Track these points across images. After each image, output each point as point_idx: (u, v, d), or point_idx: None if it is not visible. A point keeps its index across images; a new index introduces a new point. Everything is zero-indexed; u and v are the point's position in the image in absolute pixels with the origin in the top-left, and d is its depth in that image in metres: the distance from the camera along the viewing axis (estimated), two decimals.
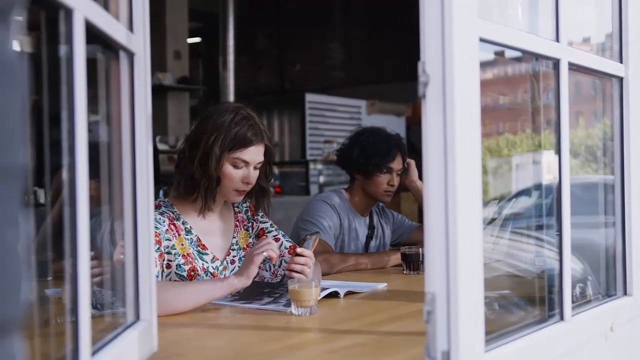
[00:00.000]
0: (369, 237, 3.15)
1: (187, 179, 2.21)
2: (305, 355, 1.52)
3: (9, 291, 0.54)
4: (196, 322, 1.83)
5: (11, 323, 0.55)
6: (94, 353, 1.08)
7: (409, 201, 6.84)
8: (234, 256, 2.33)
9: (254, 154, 2.21)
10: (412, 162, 3.12)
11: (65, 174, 1.00)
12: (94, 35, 1.11)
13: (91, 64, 1.07)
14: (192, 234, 2.23)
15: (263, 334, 1.71)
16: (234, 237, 2.35)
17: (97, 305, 1.36)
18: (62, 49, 1.01)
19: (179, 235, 2.19)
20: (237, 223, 2.39)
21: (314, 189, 7.33)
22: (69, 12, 1.00)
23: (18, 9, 0.58)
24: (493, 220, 2.26)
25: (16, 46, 0.58)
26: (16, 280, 0.55)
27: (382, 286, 2.37)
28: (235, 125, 2.17)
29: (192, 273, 2.17)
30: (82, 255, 1.02)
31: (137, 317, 1.38)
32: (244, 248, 2.36)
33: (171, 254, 2.15)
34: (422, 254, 2.68)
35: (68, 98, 1.00)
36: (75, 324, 1.01)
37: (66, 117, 1.00)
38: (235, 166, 2.20)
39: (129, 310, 1.37)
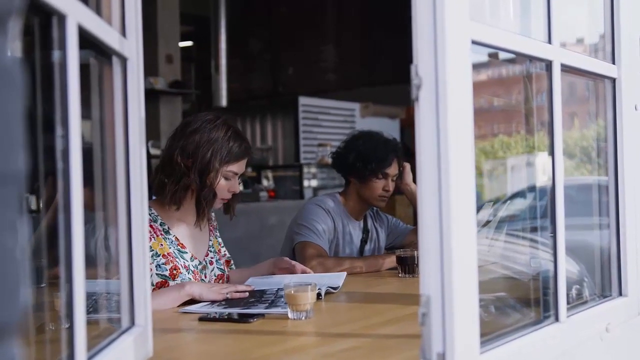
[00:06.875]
0: (364, 241, 3.14)
1: (181, 190, 2.28)
2: (303, 358, 1.52)
3: (8, 296, 0.54)
4: (191, 328, 1.83)
5: (10, 328, 0.55)
6: (89, 359, 1.08)
7: (403, 204, 6.83)
8: (211, 257, 2.44)
9: (243, 166, 2.37)
10: (408, 166, 3.11)
11: (59, 180, 1.00)
12: (86, 40, 1.11)
13: (83, 69, 1.07)
14: (170, 234, 2.31)
15: (259, 339, 1.70)
16: (210, 240, 2.47)
17: (90, 310, 1.36)
18: (55, 55, 1.01)
19: (157, 236, 2.27)
20: (211, 228, 2.51)
21: (308, 192, 7.32)
22: (62, 18, 0.99)
23: (16, 15, 0.58)
24: (488, 222, 2.27)
25: (14, 52, 0.58)
26: (15, 285, 0.55)
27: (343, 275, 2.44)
28: (229, 140, 2.29)
29: (175, 272, 2.25)
30: (77, 262, 1.01)
31: (132, 323, 1.38)
32: (217, 251, 2.48)
33: (149, 255, 2.18)
34: (418, 257, 2.67)
35: (62, 103, 1.00)
36: (70, 330, 1.00)
37: (60, 122, 1.00)
38: (226, 178, 2.32)
39: (124, 316, 1.36)
